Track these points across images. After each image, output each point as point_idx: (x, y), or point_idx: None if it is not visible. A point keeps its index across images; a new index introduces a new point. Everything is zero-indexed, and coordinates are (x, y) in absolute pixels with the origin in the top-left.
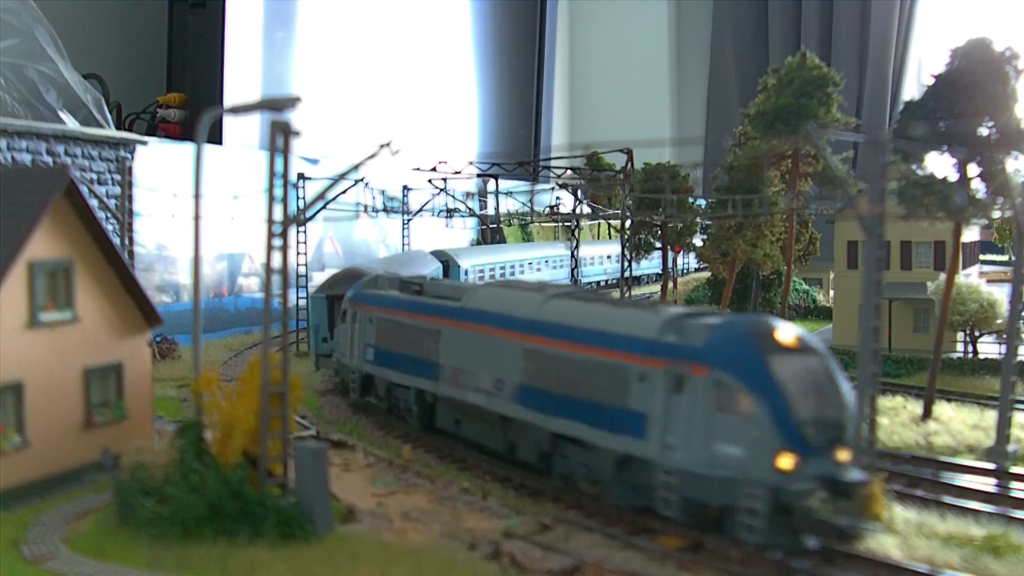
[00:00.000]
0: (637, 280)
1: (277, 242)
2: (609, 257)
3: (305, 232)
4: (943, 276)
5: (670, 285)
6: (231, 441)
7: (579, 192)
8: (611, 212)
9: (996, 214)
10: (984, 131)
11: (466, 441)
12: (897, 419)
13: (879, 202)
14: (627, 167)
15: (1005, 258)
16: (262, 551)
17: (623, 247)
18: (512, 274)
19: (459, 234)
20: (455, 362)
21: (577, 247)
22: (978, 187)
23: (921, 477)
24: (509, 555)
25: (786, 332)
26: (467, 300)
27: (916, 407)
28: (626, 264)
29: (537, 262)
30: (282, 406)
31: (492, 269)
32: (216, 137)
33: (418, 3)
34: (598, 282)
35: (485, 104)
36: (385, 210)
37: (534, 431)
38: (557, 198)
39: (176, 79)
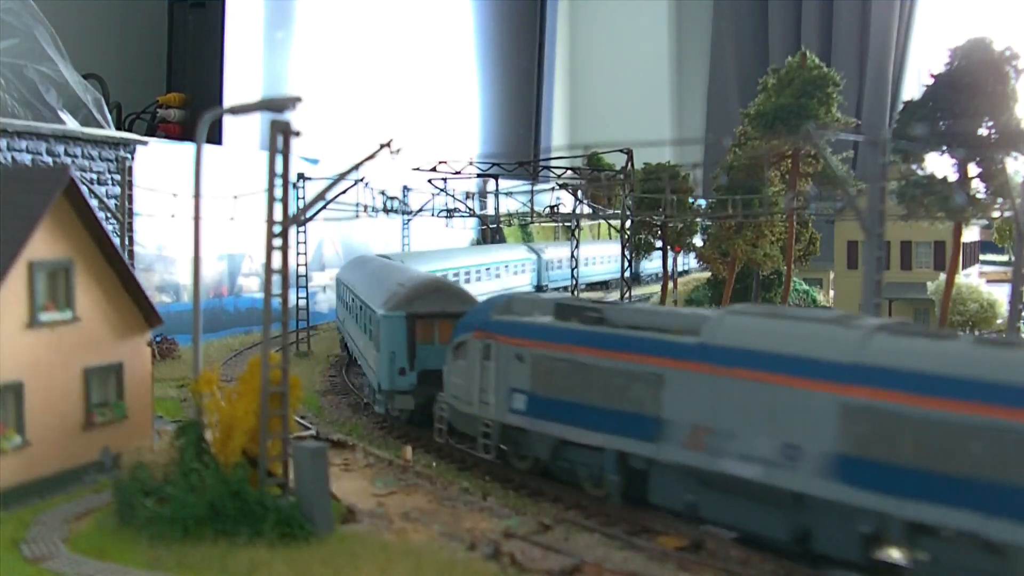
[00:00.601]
0: (606, 284)
1: (277, 242)
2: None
3: (305, 232)
4: (943, 276)
5: (670, 285)
6: (231, 441)
7: (579, 192)
8: (611, 212)
9: (996, 214)
10: (984, 131)
11: (701, 520)
12: None
13: (879, 202)
14: (627, 167)
15: (1005, 258)
16: (262, 551)
17: (623, 247)
18: (467, 281)
19: (459, 234)
20: (695, 418)
21: (577, 246)
22: (978, 187)
23: None
24: (509, 555)
25: None
26: (711, 334)
27: None
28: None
29: (496, 267)
30: (282, 406)
31: (444, 276)
32: (216, 137)
33: (418, 3)
34: (565, 287)
35: (486, 104)
36: (385, 210)
37: (866, 518)
38: (557, 198)
39: (176, 79)
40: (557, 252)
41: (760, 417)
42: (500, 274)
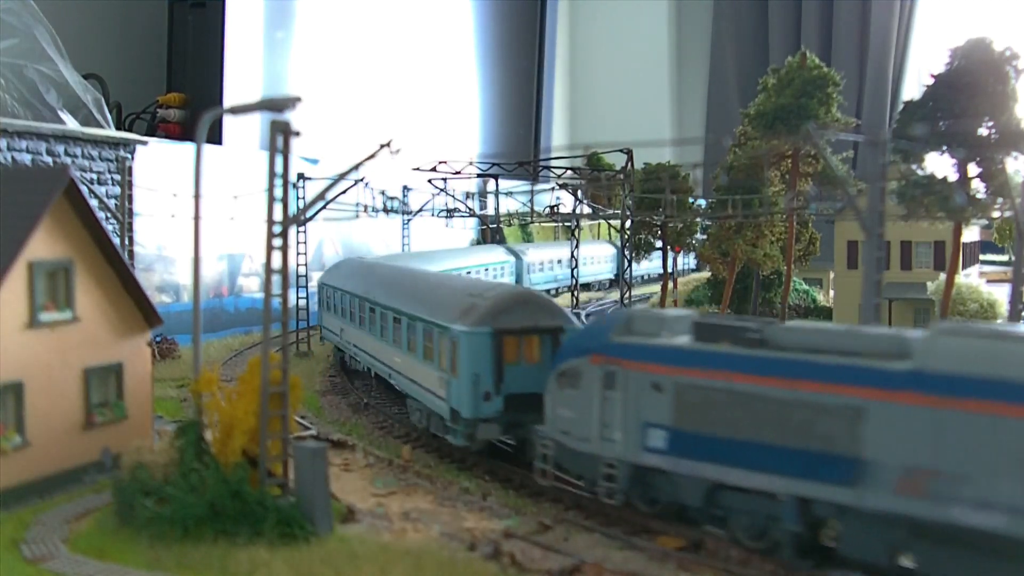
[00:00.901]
0: (587, 287)
1: (277, 242)
2: (560, 262)
3: (305, 232)
4: (943, 276)
5: (670, 285)
6: (231, 441)
7: (579, 192)
8: (611, 212)
9: (996, 214)
10: (984, 131)
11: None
12: None
13: (879, 202)
14: (627, 167)
15: (1005, 258)
16: (262, 551)
17: (623, 247)
18: None
19: (460, 234)
20: (911, 458)
21: (577, 246)
22: (978, 187)
23: None
24: (509, 555)
25: None
26: (928, 359)
27: None
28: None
29: (474, 271)
30: (282, 406)
31: None
32: (216, 137)
33: (418, 3)
34: (547, 290)
35: (486, 104)
36: (385, 210)
37: None
38: (557, 198)
39: (176, 79)
40: (540, 254)
41: (1007, 458)
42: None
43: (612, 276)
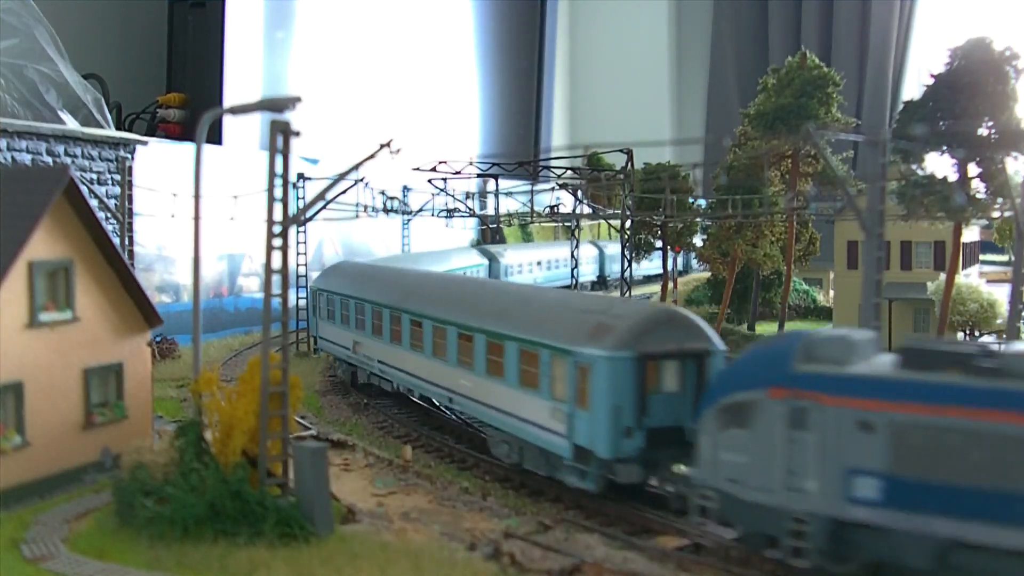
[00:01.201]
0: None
1: (277, 242)
2: (540, 263)
3: (305, 232)
4: (943, 276)
5: (670, 285)
6: (231, 441)
7: (579, 192)
8: (611, 212)
9: (996, 214)
10: (984, 131)
11: None
12: None
13: (879, 202)
14: (627, 167)
15: (1005, 258)
16: (262, 551)
17: (623, 247)
18: None
19: (459, 234)
20: None
21: (577, 246)
22: (978, 187)
23: None
24: (509, 555)
25: None
26: None
27: None
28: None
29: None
30: (282, 406)
31: None
32: (216, 137)
33: (418, 3)
34: None
35: (485, 104)
36: (385, 210)
37: None
38: (557, 198)
39: (176, 79)
40: (519, 255)
41: None
42: None
43: (595, 278)
